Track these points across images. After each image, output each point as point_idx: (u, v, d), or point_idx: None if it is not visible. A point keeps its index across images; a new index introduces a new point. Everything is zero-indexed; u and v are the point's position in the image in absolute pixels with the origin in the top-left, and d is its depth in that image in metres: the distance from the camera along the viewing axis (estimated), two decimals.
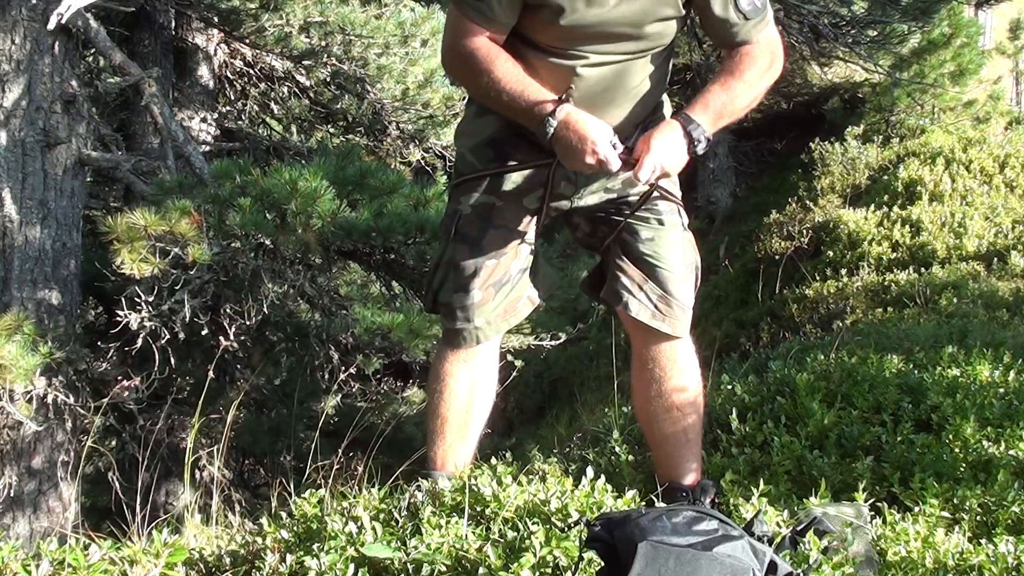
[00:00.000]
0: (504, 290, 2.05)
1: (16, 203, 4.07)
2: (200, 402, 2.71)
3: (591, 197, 2.08)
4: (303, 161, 5.38)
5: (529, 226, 2.07)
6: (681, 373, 2.10)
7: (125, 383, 3.70)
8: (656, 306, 2.05)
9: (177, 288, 3.61)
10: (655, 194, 2.07)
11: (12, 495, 4.08)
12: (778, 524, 1.82)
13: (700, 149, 1.88)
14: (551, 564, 1.53)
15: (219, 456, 2.75)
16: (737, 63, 1.94)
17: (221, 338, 4.07)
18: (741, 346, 5.75)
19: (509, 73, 1.85)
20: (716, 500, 2.12)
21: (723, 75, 1.95)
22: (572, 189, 2.05)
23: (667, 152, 1.84)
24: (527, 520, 1.70)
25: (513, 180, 2.01)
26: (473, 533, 1.66)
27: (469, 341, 2.05)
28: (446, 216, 2.10)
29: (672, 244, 2.09)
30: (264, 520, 1.95)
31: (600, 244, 2.16)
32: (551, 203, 2.05)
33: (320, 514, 1.85)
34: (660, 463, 2.19)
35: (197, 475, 4.46)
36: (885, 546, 1.79)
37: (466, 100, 2.22)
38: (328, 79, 6.60)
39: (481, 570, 1.53)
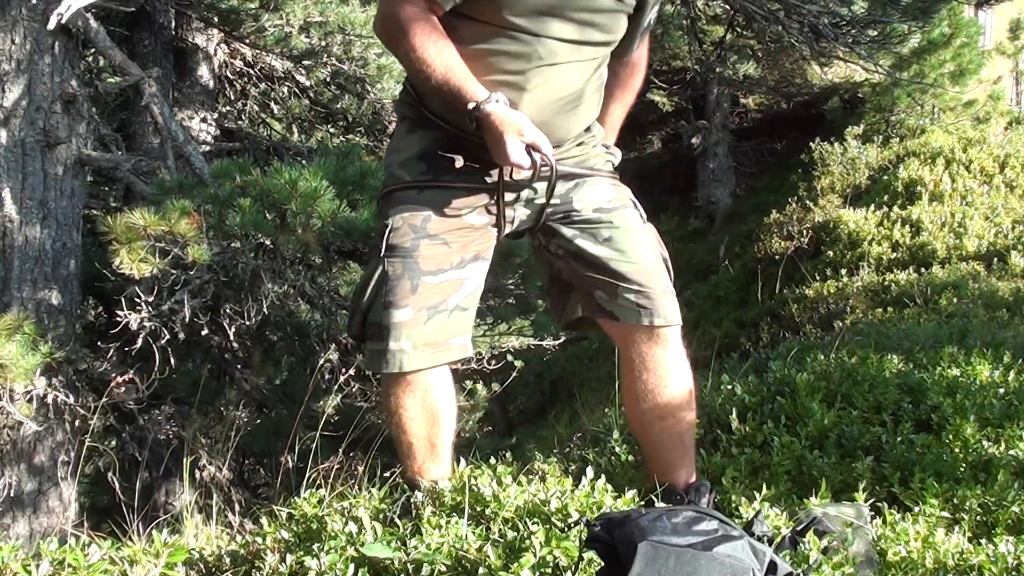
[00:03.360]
0: (438, 319, 1.90)
1: (16, 203, 4.07)
2: (200, 402, 2.71)
3: (523, 209, 2.01)
4: (303, 161, 5.38)
5: (475, 254, 1.95)
6: (673, 380, 2.04)
7: (120, 379, 3.68)
8: (638, 304, 1.97)
9: (177, 288, 3.61)
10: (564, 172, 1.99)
11: (12, 495, 4.08)
12: (777, 526, 1.82)
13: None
14: (551, 564, 1.53)
15: (219, 456, 2.75)
16: (632, 78, 2.18)
17: (221, 338, 4.08)
18: (741, 346, 5.76)
19: (443, 52, 1.80)
20: (714, 499, 2.12)
21: (623, 92, 2.18)
22: (514, 196, 1.97)
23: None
24: (527, 520, 1.70)
25: (447, 193, 1.92)
26: (473, 533, 1.66)
27: (392, 365, 1.88)
28: (376, 234, 1.96)
29: (634, 238, 2.01)
30: (264, 520, 1.95)
31: (559, 262, 2.08)
32: (504, 210, 1.96)
33: (320, 514, 1.85)
34: (655, 467, 2.16)
35: (197, 475, 4.46)
36: (885, 546, 1.79)
37: (397, 118, 2.11)
38: (328, 79, 6.60)
39: (481, 570, 1.53)
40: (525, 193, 1.98)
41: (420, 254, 1.89)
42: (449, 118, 1.90)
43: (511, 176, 1.90)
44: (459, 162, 1.88)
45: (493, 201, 1.95)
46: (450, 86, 1.78)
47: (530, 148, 1.78)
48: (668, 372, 2.03)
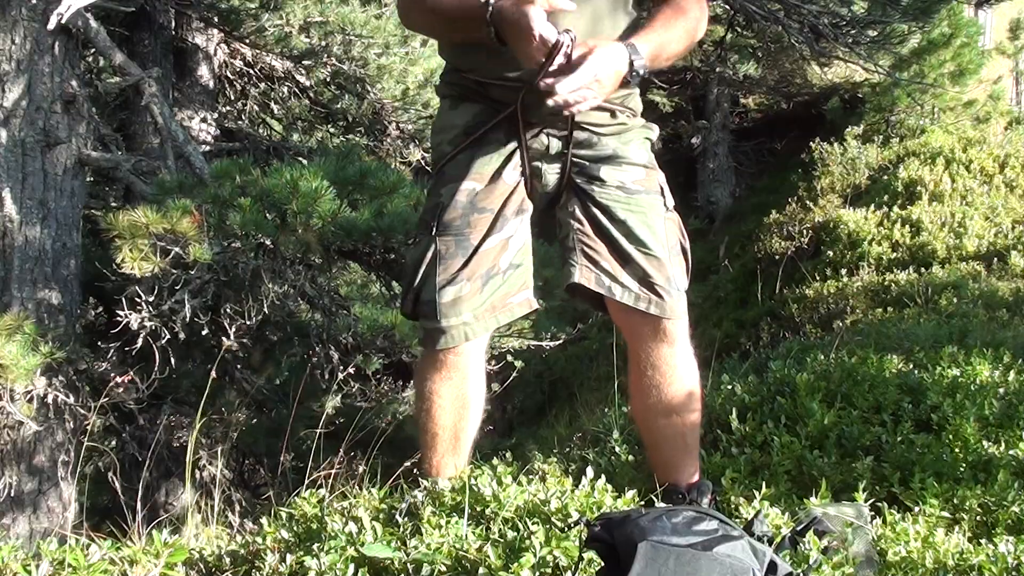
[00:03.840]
0: (493, 283, 1.94)
1: (16, 203, 4.07)
2: (201, 402, 2.71)
3: (552, 168, 1.99)
4: (303, 161, 5.38)
5: (516, 208, 1.96)
6: (681, 379, 2.03)
7: (119, 379, 3.68)
8: (640, 288, 1.95)
9: (177, 288, 3.61)
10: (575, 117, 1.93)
11: (12, 495, 4.08)
12: (777, 525, 1.82)
13: (634, 81, 1.80)
14: (551, 564, 1.53)
15: (219, 456, 2.75)
16: (679, 2, 1.92)
17: (222, 338, 4.07)
18: (741, 346, 5.76)
19: None
20: (715, 499, 2.12)
21: (666, 12, 1.90)
22: (539, 129, 1.95)
23: (607, 64, 1.72)
24: (527, 520, 1.70)
25: (490, 156, 1.94)
26: (473, 533, 1.66)
27: (457, 339, 1.92)
28: (426, 212, 2.00)
29: (649, 226, 1.98)
30: (264, 520, 1.95)
31: (572, 223, 2.02)
32: (531, 162, 1.96)
33: (320, 514, 1.85)
34: (657, 466, 2.16)
35: (197, 475, 4.46)
36: (885, 546, 1.79)
37: (440, 99, 2.12)
38: (328, 79, 6.61)
39: (481, 570, 1.53)
40: (553, 144, 1.96)
41: (471, 228, 1.92)
42: (477, 65, 1.91)
43: (541, 83, 1.71)
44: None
45: (521, 150, 1.95)
46: (463, 7, 1.79)
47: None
48: (674, 370, 2.02)
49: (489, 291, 1.93)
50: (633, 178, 2.00)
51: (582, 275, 1.96)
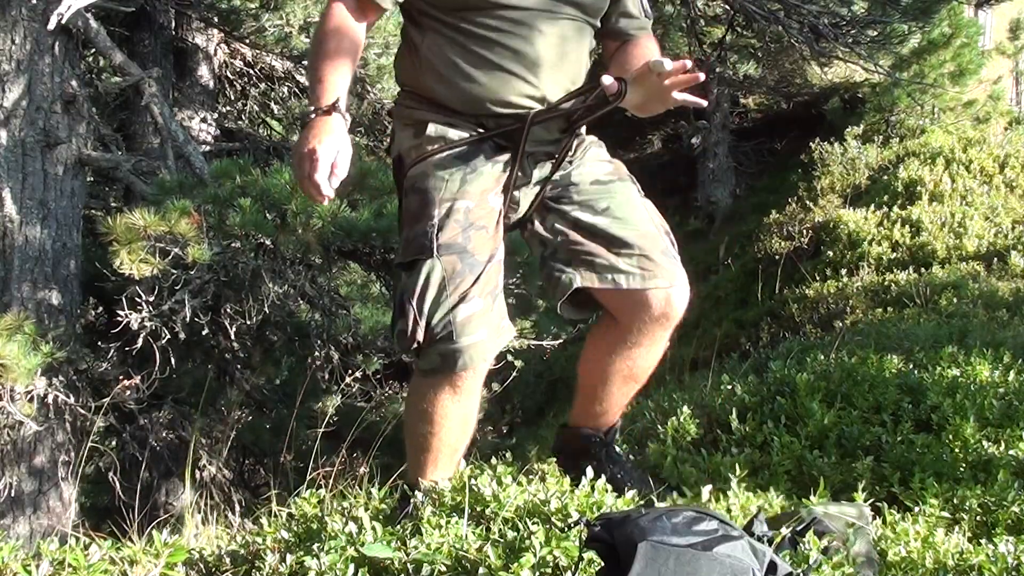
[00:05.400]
0: (498, 302, 1.90)
1: (16, 203, 4.07)
2: (201, 402, 2.71)
3: (529, 193, 2.01)
4: None
5: (499, 230, 1.94)
6: (655, 356, 2.04)
7: (126, 382, 3.69)
8: (640, 267, 1.95)
9: (177, 288, 3.61)
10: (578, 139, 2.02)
11: (12, 495, 4.08)
12: (777, 525, 1.82)
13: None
14: (551, 564, 1.53)
15: (219, 456, 2.75)
16: (649, 44, 2.03)
17: (222, 338, 4.08)
18: (741, 346, 5.75)
19: (339, 48, 1.83)
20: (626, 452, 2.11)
21: (645, 51, 2.00)
22: (528, 172, 1.98)
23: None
24: (527, 520, 1.70)
25: (480, 176, 1.92)
26: (473, 533, 1.66)
27: (476, 359, 1.84)
28: (415, 236, 1.89)
29: (631, 206, 2.00)
30: (264, 520, 1.95)
31: (556, 238, 2.03)
32: (513, 189, 1.96)
33: (320, 514, 1.85)
34: (584, 412, 2.17)
35: (197, 475, 4.46)
36: (885, 546, 1.79)
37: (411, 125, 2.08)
38: None
39: (481, 570, 1.53)
40: (540, 172, 1.99)
41: (473, 245, 1.87)
42: (474, 95, 1.91)
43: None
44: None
45: (506, 178, 1.95)
46: (315, 77, 1.80)
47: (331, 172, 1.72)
48: (657, 350, 2.03)
49: (496, 310, 1.89)
50: (603, 171, 2.03)
51: (583, 279, 1.95)
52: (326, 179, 1.68)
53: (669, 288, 1.96)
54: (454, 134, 1.93)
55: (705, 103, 1.87)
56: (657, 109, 1.85)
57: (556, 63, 1.92)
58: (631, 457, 2.47)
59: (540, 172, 2.00)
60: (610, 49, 2.08)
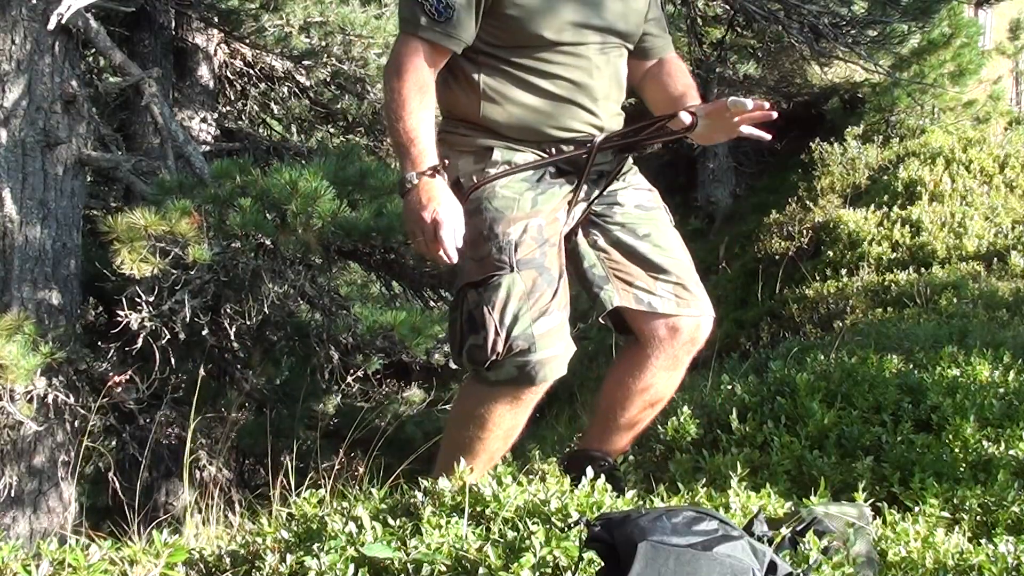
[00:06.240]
0: (567, 314, 1.97)
1: (16, 203, 4.07)
2: (200, 402, 2.71)
3: (580, 208, 2.10)
4: (303, 161, 5.38)
5: (563, 249, 2.02)
6: (677, 379, 2.16)
7: (116, 379, 3.69)
8: (676, 296, 2.06)
9: (177, 288, 3.61)
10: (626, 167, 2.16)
11: (12, 495, 4.08)
12: (777, 524, 1.82)
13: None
14: (551, 564, 1.53)
15: (219, 456, 2.75)
16: (679, 64, 2.23)
17: (222, 338, 4.07)
18: (741, 346, 5.75)
19: (423, 106, 1.88)
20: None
21: (679, 72, 2.21)
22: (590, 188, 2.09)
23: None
24: (527, 520, 1.70)
25: (551, 195, 1.98)
26: (473, 533, 1.66)
27: (552, 373, 1.91)
28: (490, 253, 1.92)
29: (669, 236, 2.13)
30: (264, 520, 1.95)
31: (598, 253, 2.12)
32: (574, 205, 2.05)
33: (320, 514, 1.85)
34: (598, 436, 2.25)
35: (197, 475, 4.46)
36: (885, 546, 1.79)
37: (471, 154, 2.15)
38: (328, 79, 6.61)
39: (481, 570, 1.53)
40: (590, 191, 2.09)
41: (548, 261, 1.94)
42: (540, 121, 1.99)
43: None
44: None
45: (571, 198, 2.04)
46: (407, 138, 1.86)
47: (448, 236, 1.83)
48: (678, 375, 2.14)
49: (567, 324, 1.96)
50: (646, 198, 2.15)
51: (622, 299, 2.05)
52: (453, 242, 1.81)
53: (699, 317, 2.08)
54: (520, 158, 1.99)
55: (770, 137, 1.97)
56: (720, 139, 2.03)
57: (609, 91, 2.04)
58: (631, 458, 2.48)
59: (593, 190, 2.09)
60: (640, 69, 2.21)
